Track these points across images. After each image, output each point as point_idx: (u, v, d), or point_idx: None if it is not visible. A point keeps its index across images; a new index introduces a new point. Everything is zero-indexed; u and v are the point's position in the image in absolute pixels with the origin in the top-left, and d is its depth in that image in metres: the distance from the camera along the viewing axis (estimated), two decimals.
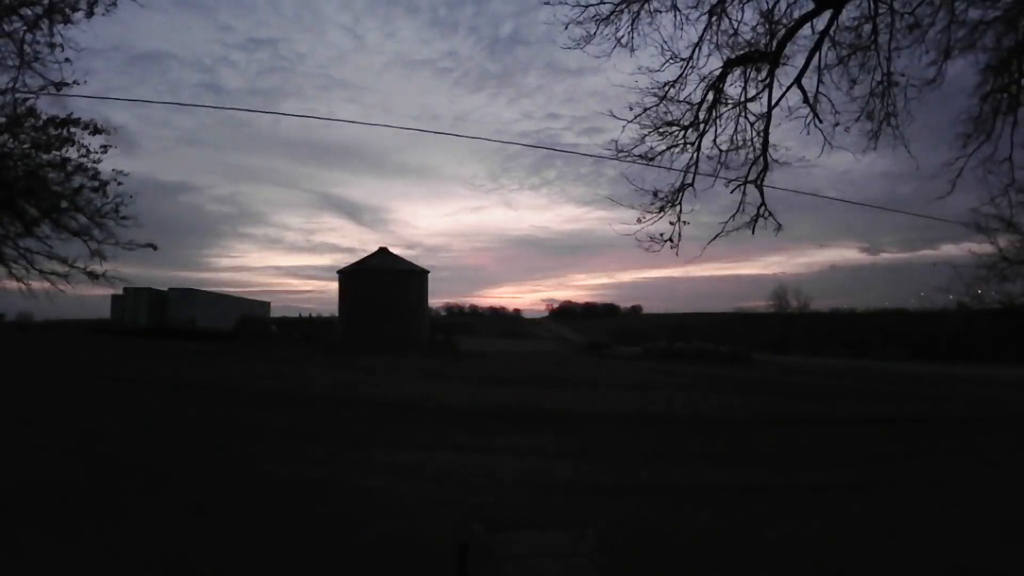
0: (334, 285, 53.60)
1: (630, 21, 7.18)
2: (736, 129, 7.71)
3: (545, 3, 7.14)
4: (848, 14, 7.12)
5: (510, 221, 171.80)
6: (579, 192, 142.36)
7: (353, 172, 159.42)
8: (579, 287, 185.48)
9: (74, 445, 10.16)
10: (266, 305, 60.73)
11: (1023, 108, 7.24)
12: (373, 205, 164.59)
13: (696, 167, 7.73)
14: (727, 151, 7.76)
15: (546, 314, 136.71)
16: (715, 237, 7.95)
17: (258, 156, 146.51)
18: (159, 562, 5.11)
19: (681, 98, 7.50)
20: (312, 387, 19.08)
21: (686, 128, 7.60)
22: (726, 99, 7.62)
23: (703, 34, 7.26)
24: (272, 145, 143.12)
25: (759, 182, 7.79)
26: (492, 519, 3.44)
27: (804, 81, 7.46)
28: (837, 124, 7.49)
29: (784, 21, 7.20)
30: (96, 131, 8.22)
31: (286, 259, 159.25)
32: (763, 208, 7.83)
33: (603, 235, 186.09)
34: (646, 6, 7.14)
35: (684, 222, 7.73)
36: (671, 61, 7.33)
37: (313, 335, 56.02)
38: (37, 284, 8.76)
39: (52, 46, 7.28)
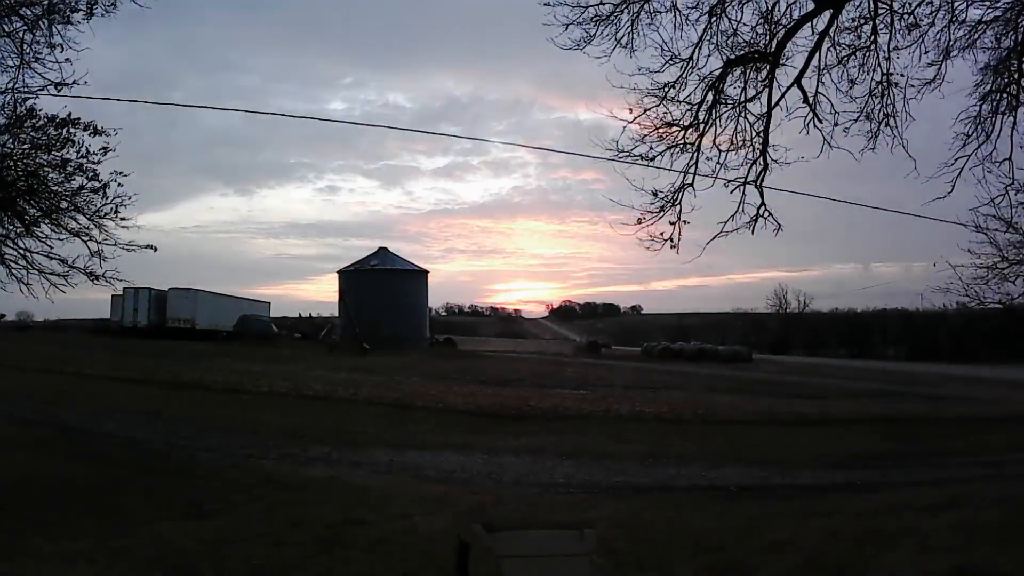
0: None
1: (630, 22, 7.18)
2: (736, 129, 7.70)
3: (544, 3, 7.13)
4: (848, 14, 7.11)
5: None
6: None
7: None
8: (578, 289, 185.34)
9: (74, 445, 10.17)
10: (266, 305, 60.64)
11: (1023, 108, 7.23)
12: None
13: (696, 167, 7.73)
14: (727, 151, 7.76)
15: (546, 314, 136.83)
16: (714, 237, 7.95)
17: None
18: (159, 562, 5.12)
19: (681, 98, 7.51)
20: (312, 387, 19.06)
21: (686, 128, 7.60)
22: (726, 99, 7.61)
23: (703, 34, 7.25)
24: None
25: (759, 182, 7.79)
26: (492, 519, 3.45)
27: (804, 81, 7.45)
28: (837, 124, 7.49)
29: (784, 21, 7.19)
30: (96, 132, 8.17)
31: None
32: (763, 208, 7.83)
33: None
34: (646, 6, 7.14)
35: (684, 222, 7.74)
36: (671, 62, 7.33)
37: (313, 335, 55.93)
38: (37, 284, 8.71)
39: (52, 46, 7.24)
